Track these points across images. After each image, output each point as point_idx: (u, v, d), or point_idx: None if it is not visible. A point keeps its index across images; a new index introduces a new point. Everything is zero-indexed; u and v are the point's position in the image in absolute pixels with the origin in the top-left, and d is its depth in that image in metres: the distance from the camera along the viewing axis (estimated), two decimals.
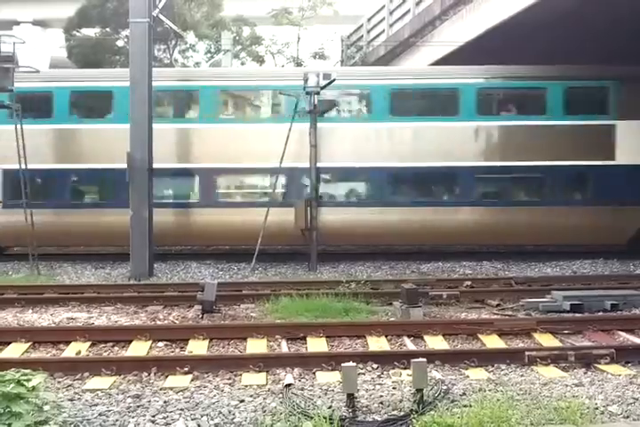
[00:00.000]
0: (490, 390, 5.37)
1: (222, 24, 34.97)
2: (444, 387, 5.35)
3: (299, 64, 30.52)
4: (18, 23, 39.99)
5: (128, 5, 14.16)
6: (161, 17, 15.54)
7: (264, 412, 4.93)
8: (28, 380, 4.49)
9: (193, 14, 34.89)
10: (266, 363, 6.07)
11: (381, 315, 8.72)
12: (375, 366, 6.13)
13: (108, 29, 35.60)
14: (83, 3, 35.07)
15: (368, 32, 25.77)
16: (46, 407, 4.55)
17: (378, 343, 7.04)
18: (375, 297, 9.63)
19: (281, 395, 5.30)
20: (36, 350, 6.92)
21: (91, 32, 37.32)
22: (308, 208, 14.41)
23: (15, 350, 6.79)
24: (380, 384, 5.60)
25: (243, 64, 37.15)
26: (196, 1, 35.17)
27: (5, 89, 13.72)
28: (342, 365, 5.12)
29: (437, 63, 18.94)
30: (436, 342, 7.10)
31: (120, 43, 35.49)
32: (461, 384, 5.57)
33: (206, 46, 37.39)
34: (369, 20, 25.76)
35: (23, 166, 13.57)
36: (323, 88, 14.30)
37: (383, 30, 24.00)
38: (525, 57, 15.70)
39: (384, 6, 23.92)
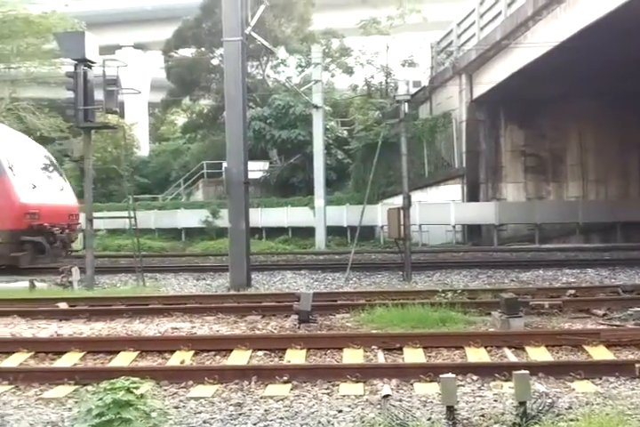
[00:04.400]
0: (598, 404, 5.12)
1: (312, 38, 35.59)
2: (549, 400, 5.15)
3: (388, 73, 30.50)
4: (120, 47, 42.36)
5: (222, 25, 14.71)
6: (253, 34, 16.01)
7: (362, 422, 4.93)
8: (137, 387, 4.71)
9: (283, 30, 35.70)
10: (363, 373, 6.07)
11: (480, 325, 8.51)
12: (475, 377, 5.99)
13: (203, 49, 37.08)
14: (179, 25, 36.71)
15: (458, 37, 25.41)
16: (154, 414, 4.72)
17: (477, 355, 6.87)
18: (473, 307, 9.41)
19: (379, 406, 5.28)
20: (143, 358, 7.23)
21: (187, 52, 38.99)
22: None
23: (124, 359, 7.13)
24: (480, 396, 5.47)
25: (332, 76, 37.59)
26: (286, 17, 35.96)
27: (111, 111, 14.55)
28: (441, 376, 5.04)
29: (531, 65, 18.43)
30: (538, 354, 6.84)
31: (215, 61, 36.86)
32: (567, 397, 5.35)
33: (297, 60, 38.11)
34: (459, 24, 25.40)
35: None
36: (413, 96, 14.21)
37: (474, 34, 23.59)
38: (629, 53, 15.00)
39: (474, 10, 23.53)
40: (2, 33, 37.23)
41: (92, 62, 14.17)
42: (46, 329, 8.79)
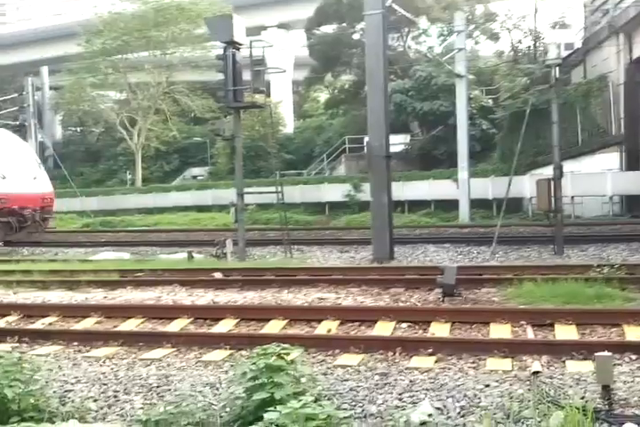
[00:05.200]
0: None
1: (454, 5, 34.40)
2: None
3: (536, 37, 28.84)
4: (265, 28, 43.50)
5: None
6: (394, 6, 15.79)
7: (510, 398, 4.82)
8: (287, 354, 4.95)
9: None
10: (511, 349, 5.91)
11: None
12: (634, 357, 5.62)
13: (344, 24, 37.16)
14: (321, 2, 37.00)
15: None
16: (303, 380, 4.93)
17: (636, 333, 6.44)
18: (632, 283, 8.80)
19: (528, 382, 5.13)
20: (291, 326, 7.54)
21: (329, 29, 39.28)
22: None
23: (274, 327, 7.47)
24: (639, 377, 5.14)
25: (476, 43, 36.22)
26: None
27: (258, 90, 15.07)
28: (596, 354, 4.79)
29: None
30: None
31: (356, 36, 36.84)
32: None
33: (439, 30, 37.11)
34: None
35: None
36: (565, 59, 13.36)
37: None
38: None
39: None
40: (157, 21, 39.67)
41: (240, 44, 14.71)
42: (204, 297, 9.42)
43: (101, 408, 5.15)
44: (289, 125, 44.47)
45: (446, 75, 29.29)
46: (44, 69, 52.20)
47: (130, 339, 7.09)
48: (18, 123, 36.71)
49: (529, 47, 28.89)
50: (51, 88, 51.42)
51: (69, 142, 52.63)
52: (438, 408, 4.74)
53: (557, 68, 13.69)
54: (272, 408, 4.04)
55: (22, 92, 34.26)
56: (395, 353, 6.13)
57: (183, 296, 9.59)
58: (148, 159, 44.95)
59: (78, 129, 53.39)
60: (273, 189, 16.92)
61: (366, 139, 14.45)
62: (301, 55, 43.30)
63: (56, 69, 48.26)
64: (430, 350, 6.05)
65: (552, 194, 13.59)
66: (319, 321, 7.50)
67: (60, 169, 39.21)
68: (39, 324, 8.20)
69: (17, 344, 7.21)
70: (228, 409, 4.84)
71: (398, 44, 37.27)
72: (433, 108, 30.78)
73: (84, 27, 40.24)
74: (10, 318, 8.50)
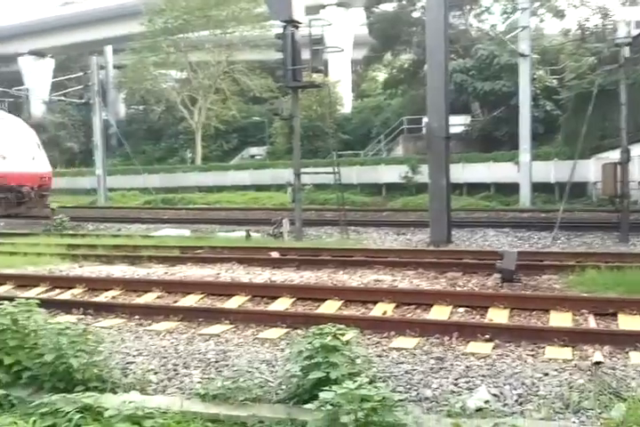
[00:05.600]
0: None
1: None
2: None
3: (605, 14, 27.65)
4: (324, 6, 43.11)
5: None
6: None
7: (570, 388, 4.72)
8: (343, 334, 4.97)
9: None
10: (571, 338, 5.78)
11: None
12: None
13: (404, 2, 36.51)
14: None
15: None
16: (358, 361, 4.95)
17: None
18: None
19: (589, 372, 5.01)
20: (347, 307, 7.57)
21: (388, 7, 38.67)
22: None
23: (330, 307, 7.52)
24: None
25: (541, 21, 35.03)
26: None
27: (316, 69, 15.01)
28: None
29: None
30: None
31: (416, 14, 36.16)
32: None
33: (502, 7, 36.06)
34: None
35: None
36: (635, 38, 12.80)
37: None
38: None
39: None
40: (217, 0, 39.87)
41: (299, 23, 14.65)
42: (261, 275, 9.54)
43: (161, 381, 5.30)
44: (347, 105, 44.20)
45: (509, 54, 28.49)
46: (108, 49, 53.35)
47: (189, 314, 7.26)
48: (83, 101, 37.75)
49: (596, 25, 27.70)
50: (114, 67, 52.57)
51: (132, 120, 53.87)
52: (495, 395, 4.69)
53: (627, 48, 13.11)
54: (327, 388, 4.07)
55: (87, 71, 35.06)
56: (451, 338, 6.08)
57: (241, 274, 9.74)
58: (208, 138, 45.60)
59: (141, 107, 54.53)
60: (330, 169, 16.92)
61: (425, 119, 14.25)
62: (360, 34, 42.81)
63: (119, 48, 49.23)
64: (488, 336, 5.97)
65: (618, 179, 13.13)
66: (374, 303, 7.50)
67: (123, 147, 40.22)
68: (103, 297, 8.49)
69: (82, 316, 7.49)
70: (283, 387, 4.90)
71: (460, 22, 36.39)
72: (494, 88, 30.04)
73: (146, 6, 40.81)
74: (75, 291, 8.82)
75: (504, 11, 35.24)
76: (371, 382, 4.32)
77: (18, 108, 38.16)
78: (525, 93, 24.17)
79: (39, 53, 52.70)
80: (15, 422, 3.50)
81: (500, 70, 30.08)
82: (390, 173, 30.18)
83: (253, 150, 46.35)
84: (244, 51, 41.99)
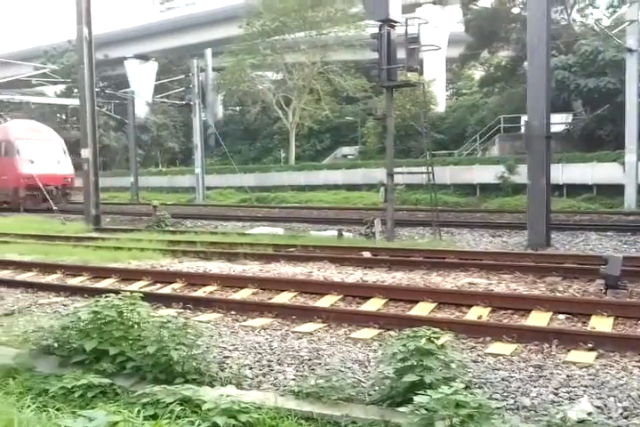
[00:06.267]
0: None
1: None
2: None
3: None
4: (420, 5, 42.63)
5: None
6: None
7: None
8: (437, 338, 4.89)
9: None
10: None
11: None
12: None
13: None
14: None
15: None
16: (453, 365, 4.85)
17: None
18: None
19: None
20: (440, 310, 7.45)
21: (486, 3, 37.74)
22: None
23: (423, 309, 7.42)
24: None
25: None
26: None
27: (412, 68, 14.86)
28: None
29: None
30: None
31: (516, 10, 35.10)
32: None
33: (608, 1, 34.34)
34: None
35: None
36: None
37: None
38: None
39: None
40: (314, 1, 40.32)
41: (395, 22, 14.55)
42: (353, 275, 9.56)
43: (256, 376, 5.40)
44: (441, 104, 43.55)
45: (615, 49, 27.10)
46: (208, 51, 55.18)
47: (283, 311, 7.38)
48: (184, 102, 39.20)
49: None
50: (214, 69, 54.32)
51: (229, 121, 55.46)
52: (598, 407, 4.47)
53: None
54: (422, 392, 4.02)
55: (188, 74, 36.43)
56: (551, 345, 5.86)
57: (333, 273, 9.79)
58: (301, 138, 46.22)
59: (238, 108, 56.07)
60: (423, 169, 16.70)
61: (524, 118, 13.78)
62: (456, 31, 42.04)
63: (219, 51, 50.81)
64: (590, 345, 5.70)
65: None
66: (469, 306, 7.33)
67: (220, 147, 41.46)
68: (201, 292, 8.77)
69: (181, 310, 7.77)
70: (376, 388, 4.88)
71: (562, 18, 34.99)
72: (599, 85, 28.66)
73: (245, 9, 41.84)
74: (175, 285, 9.16)
75: (610, 4, 33.56)
76: (466, 388, 4.22)
77: (123, 109, 40.06)
78: (632, 90, 22.89)
79: (143, 57, 55.20)
80: (120, 411, 3.66)
81: (604, 66, 28.68)
82: (485, 174, 29.45)
83: (345, 150, 46.55)
84: (338, 51, 42.23)
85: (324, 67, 43.17)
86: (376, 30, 14.89)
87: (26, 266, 11.16)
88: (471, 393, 4.04)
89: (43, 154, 27.93)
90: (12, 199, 27.86)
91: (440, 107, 43.01)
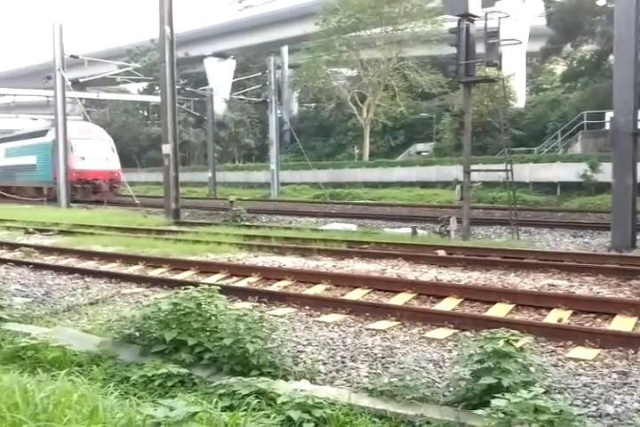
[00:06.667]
0: None
1: None
2: None
3: None
4: None
5: None
6: None
7: None
8: (516, 340, 4.75)
9: None
10: None
11: None
12: None
13: None
14: None
15: None
16: (532, 369, 4.70)
17: None
18: None
19: None
20: (518, 312, 7.25)
21: None
22: None
23: (500, 310, 7.24)
24: None
25: None
26: None
27: (491, 63, 14.52)
28: None
29: None
30: None
31: (601, 2, 33.66)
32: None
33: None
34: None
35: None
36: None
37: None
38: None
39: None
40: None
41: (475, 16, 14.24)
42: (427, 273, 9.45)
43: (330, 372, 5.42)
44: (520, 100, 42.32)
45: None
46: (285, 49, 55.73)
47: (356, 308, 7.38)
48: (260, 99, 39.79)
49: None
50: (290, 66, 54.81)
51: (304, 118, 55.87)
52: None
53: None
54: (500, 395, 3.92)
55: (265, 71, 36.91)
56: (636, 352, 5.61)
57: (407, 271, 9.71)
58: (375, 134, 46.03)
59: (312, 105, 56.40)
60: (500, 166, 16.30)
61: (609, 114, 13.21)
62: (537, 25, 40.75)
63: (295, 49, 51.20)
64: None
65: None
66: (549, 309, 7.12)
67: (295, 143, 41.83)
68: (276, 286, 8.88)
69: (256, 304, 7.89)
70: (451, 389, 4.80)
71: None
72: None
73: (321, 6, 41.98)
74: (251, 279, 9.32)
75: None
76: (546, 393, 4.09)
77: (202, 106, 41.06)
78: None
79: (222, 55, 56.31)
80: (199, 402, 3.75)
81: None
82: (566, 172, 28.41)
83: (420, 147, 46.02)
84: (414, 47, 41.75)
85: (399, 63, 42.79)
86: (454, 25, 14.63)
87: (109, 257, 11.63)
88: (551, 398, 3.91)
89: (93, 152, 31.69)
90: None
91: (519, 102, 41.81)
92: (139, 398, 4.14)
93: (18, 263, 11.17)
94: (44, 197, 31.83)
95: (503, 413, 3.78)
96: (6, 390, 3.75)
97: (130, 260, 11.30)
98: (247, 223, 18.60)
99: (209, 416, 3.48)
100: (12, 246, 13.46)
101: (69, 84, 28.04)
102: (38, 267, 10.80)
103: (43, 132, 35.34)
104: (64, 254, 12.30)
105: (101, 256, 11.79)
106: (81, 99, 39.78)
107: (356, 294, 8.22)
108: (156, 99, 38.28)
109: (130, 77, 43.73)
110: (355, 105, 44.01)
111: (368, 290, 8.36)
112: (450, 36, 15.04)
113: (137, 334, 5.94)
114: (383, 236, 14.30)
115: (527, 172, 28.91)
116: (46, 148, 32.63)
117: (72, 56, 29.81)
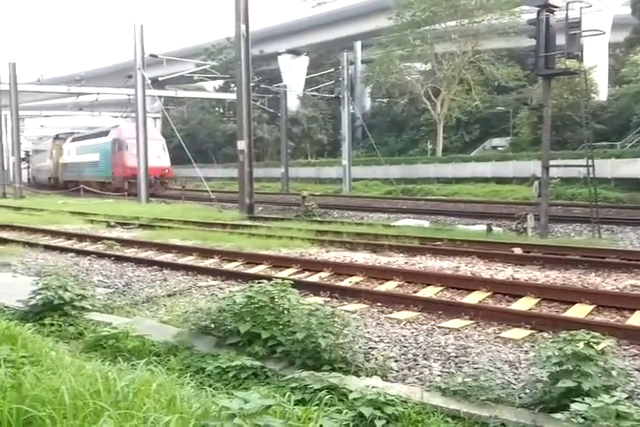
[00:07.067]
0: None
1: None
2: None
3: None
4: None
5: None
6: None
7: None
8: (597, 343, 4.57)
9: None
10: None
11: None
12: None
13: None
14: None
15: None
16: (613, 373, 4.52)
17: None
18: None
19: None
20: (599, 313, 6.98)
21: None
22: None
23: (579, 311, 6.99)
24: None
25: None
26: None
27: (572, 55, 14.00)
28: None
29: None
30: None
31: None
32: None
33: None
34: None
35: None
36: None
37: None
38: None
39: None
40: None
41: (555, 7, 13.77)
42: (502, 272, 9.23)
43: (401, 369, 5.37)
44: (602, 92, 40.65)
45: None
46: (358, 44, 55.61)
47: (429, 306, 7.28)
48: (333, 95, 39.87)
49: None
50: (362, 62, 54.64)
51: (376, 113, 55.63)
52: None
53: None
54: (579, 399, 3.78)
55: (337, 67, 36.93)
56: None
57: (481, 269, 9.52)
58: (449, 129, 45.29)
59: (385, 100, 56.07)
60: (580, 161, 15.71)
61: None
62: (621, 14, 39.02)
63: (368, 44, 51.00)
64: None
65: None
66: (632, 311, 6.82)
67: (366, 139, 41.69)
68: (347, 282, 8.89)
69: (328, 299, 7.91)
70: (527, 391, 4.67)
71: None
72: None
73: (395, 0, 41.61)
74: (322, 274, 9.37)
75: None
76: (628, 398, 3.91)
77: (276, 103, 41.51)
78: None
79: (295, 52, 56.78)
80: (273, 395, 3.80)
81: None
82: None
83: (496, 141, 44.97)
84: (491, 39, 40.77)
85: (475, 56, 41.88)
86: (533, 16, 14.18)
87: (187, 250, 11.95)
88: (635, 404, 3.74)
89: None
90: (121, 185, 34.68)
91: (601, 95, 40.18)
92: (214, 389, 4.23)
93: (100, 255, 11.64)
94: (105, 190, 35.29)
95: (583, 418, 3.64)
96: (89, 377, 3.90)
97: (206, 253, 11.57)
98: (319, 219, 18.70)
99: (282, 410, 3.51)
100: (95, 239, 14.03)
101: (149, 82, 28.93)
102: (119, 259, 11.22)
103: (105, 133, 39.42)
104: (144, 247, 12.72)
105: (179, 249, 12.12)
106: (160, 97, 41.00)
107: (429, 292, 8.12)
108: (231, 96, 39.01)
109: (206, 75, 44.73)
110: (428, 100, 43.42)
111: (441, 288, 8.24)
112: (528, 27, 14.62)
113: (212, 325, 6.07)
114: (457, 232, 14.06)
115: (609, 167, 27.77)
116: (107, 146, 37.14)
117: (152, 55, 30.77)
